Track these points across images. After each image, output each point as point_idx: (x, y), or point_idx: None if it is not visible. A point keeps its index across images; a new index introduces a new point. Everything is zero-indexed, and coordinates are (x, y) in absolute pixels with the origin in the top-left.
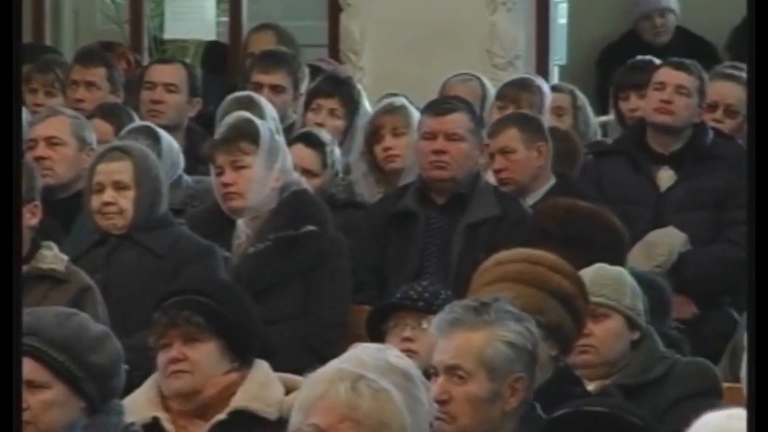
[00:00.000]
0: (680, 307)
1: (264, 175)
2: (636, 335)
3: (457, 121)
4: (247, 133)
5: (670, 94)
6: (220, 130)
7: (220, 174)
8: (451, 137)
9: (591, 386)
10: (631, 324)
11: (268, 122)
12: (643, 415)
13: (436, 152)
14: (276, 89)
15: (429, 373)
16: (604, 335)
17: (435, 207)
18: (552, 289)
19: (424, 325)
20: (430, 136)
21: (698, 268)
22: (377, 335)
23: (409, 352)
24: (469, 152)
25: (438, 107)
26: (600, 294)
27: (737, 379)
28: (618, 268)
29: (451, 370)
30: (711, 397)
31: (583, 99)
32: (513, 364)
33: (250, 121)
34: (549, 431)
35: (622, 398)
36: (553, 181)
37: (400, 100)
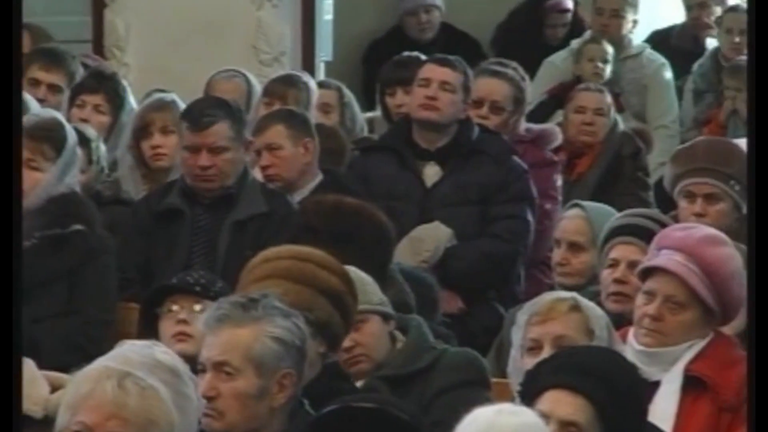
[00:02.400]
0: (447, 302)
1: (53, 184)
2: (392, 326)
3: (219, 133)
4: (54, 138)
5: (434, 90)
6: (27, 118)
7: None
8: (214, 151)
9: (359, 381)
10: (385, 317)
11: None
12: (409, 410)
13: (203, 168)
14: (53, 89)
15: (197, 369)
16: (370, 339)
17: (201, 204)
18: (320, 286)
19: (197, 308)
20: (193, 149)
21: (464, 263)
22: (151, 319)
23: (184, 335)
24: (234, 160)
25: (197, 121)
26: None
27: (504, 374)
28: (350, 269)
29: (219, 366)
30: (478, 387)
31: (350, 95)
32: (281, 360)
33: (61, 128)
34: (317, 427)
35: (389, 391)
36: (320, 177)
37: (170, 96)
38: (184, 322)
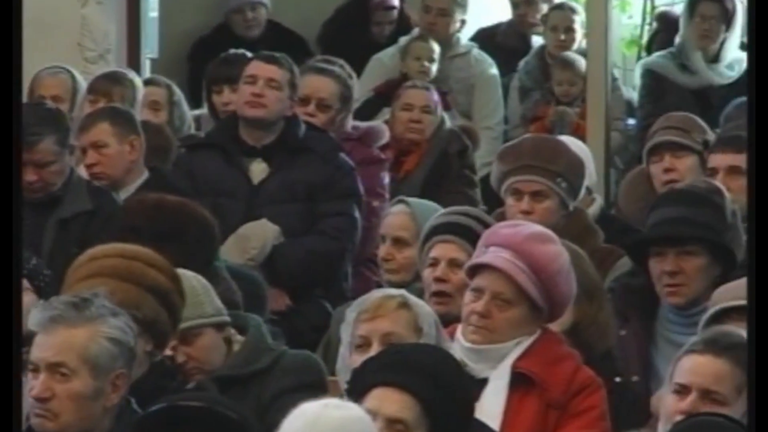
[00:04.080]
0: (274, 299)
1: None
2: (228, 332)
3: (44, 150)
4: None
5: (261, 87)
6: None
7: None
8: (42, 165)
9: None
10: (221, 326)
11: None
12: (238, 409)
13: (30, 182)
14: None
15: (30, 369)
16: (203, 353)
17: (25, 203)
18: (147, 284)
19: None
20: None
21: (291, 260)
22: None
23: None
24: (60, 169)
25: (25, 139)
26: (186, 317)
27: (332, 372)
28: (186, 275)
29: (54, 367)
30: (316, 390)
31: (179, 94)
32: (115, 360)
33: None
34: (143, 426)
35: (221, 390)
36: (146, 175)
37: None
38: None
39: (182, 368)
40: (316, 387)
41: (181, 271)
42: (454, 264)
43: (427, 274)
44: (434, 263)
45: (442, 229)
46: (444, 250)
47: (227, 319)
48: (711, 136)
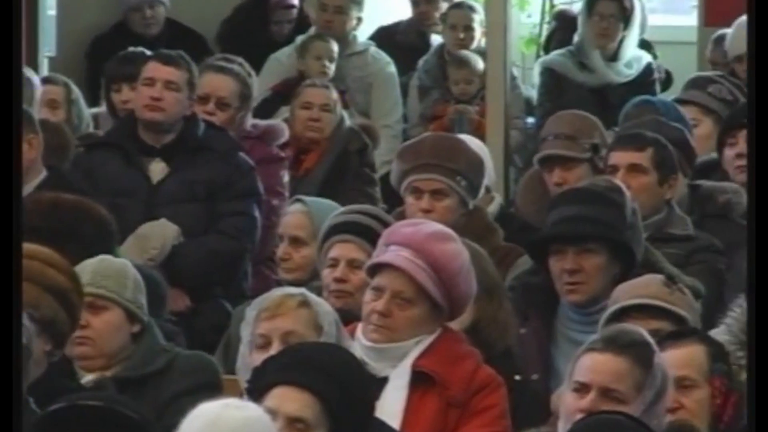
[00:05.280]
0: (174, 299)
1: None
2: (137, 328)
3: None
4: None
5: (159, 90)
6: None
7: None
8: None
9: (90, 376)
10: (132, 316)
11: None
12: (137, 409)
13: None
14: None
15: None
16: (103, 327)
17: None
18: (46, 284)
19: None
20: None
21: (190, 260)
22: None
23: None
24: None
25: None
26: (101, 285)
27: (232, 371)
28: (122, 260)
29: None
30: (212, 391)
31: (77, 92)
32: None
33: None
34: (42, 426)
35: (117, 391)
36: (44, 174)
37: None
38: None
39: (80, 331)
40: (212, 387)
41: (111, 259)
42: (353, 264)
43: (327, 274)
44: (334, 264)
45: (341, 228)
46: (343, 250)
47: (140, 315)
48: (599, 138)
